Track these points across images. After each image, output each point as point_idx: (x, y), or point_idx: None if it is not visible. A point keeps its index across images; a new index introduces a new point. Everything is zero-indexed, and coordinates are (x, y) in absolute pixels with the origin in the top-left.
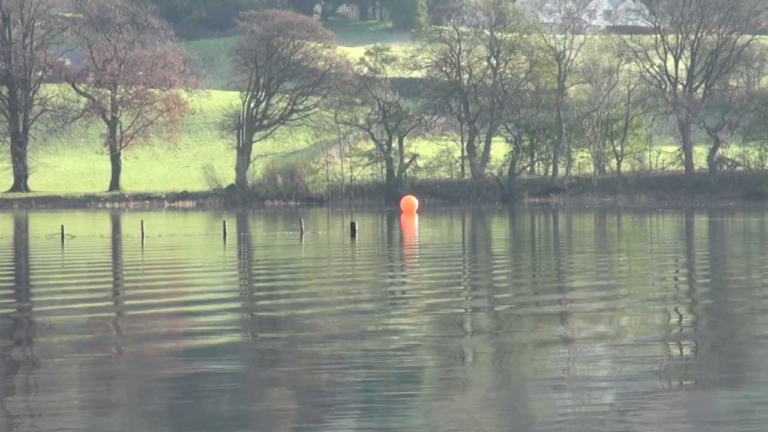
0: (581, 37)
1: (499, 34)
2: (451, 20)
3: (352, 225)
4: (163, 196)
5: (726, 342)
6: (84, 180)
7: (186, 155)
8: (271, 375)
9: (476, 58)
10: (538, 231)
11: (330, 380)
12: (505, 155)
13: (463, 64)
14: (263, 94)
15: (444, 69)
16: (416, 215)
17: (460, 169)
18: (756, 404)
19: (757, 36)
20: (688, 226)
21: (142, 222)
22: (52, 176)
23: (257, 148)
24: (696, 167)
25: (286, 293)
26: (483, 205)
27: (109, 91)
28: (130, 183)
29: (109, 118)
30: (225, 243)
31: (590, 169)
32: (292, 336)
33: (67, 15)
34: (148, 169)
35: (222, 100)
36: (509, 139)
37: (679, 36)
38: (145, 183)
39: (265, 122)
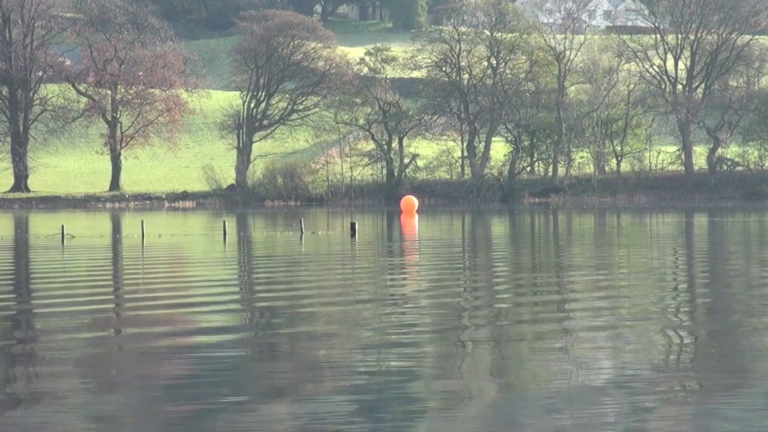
0: (581, 37)
1: (499, 34)
2: (451, 20)
3: (352, 225)
4: (163, 196)
5: (724, 332)
6: (84, 180)
7: (186, 155)
8: (271, 366)
9: (476, 58)
10: (538, 230)
11: (330, 372)
12: (505, 155)
13: (463, 64)
14: (263, 94)
15: (444, 69)
16: (416, 215)
17: (460, 169)
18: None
19: (757, 36)
20: (688, 226)
21: (142, 222)
22: (53, 176)
23: (257, 148)
24: (696, 167)
25: (285, 293)
26: (482, 205)
27: (109, 91)
28: (130, 183)
29: (109, 118)
30: (225, 243)
31: (590, 169)
32: (292, 333)
33: (67, 15)
34: (148, 169)
35: (222, 100)
36: (509, 139)
37: (679, 36)
38: (145, 183)
39: (265, 122)
